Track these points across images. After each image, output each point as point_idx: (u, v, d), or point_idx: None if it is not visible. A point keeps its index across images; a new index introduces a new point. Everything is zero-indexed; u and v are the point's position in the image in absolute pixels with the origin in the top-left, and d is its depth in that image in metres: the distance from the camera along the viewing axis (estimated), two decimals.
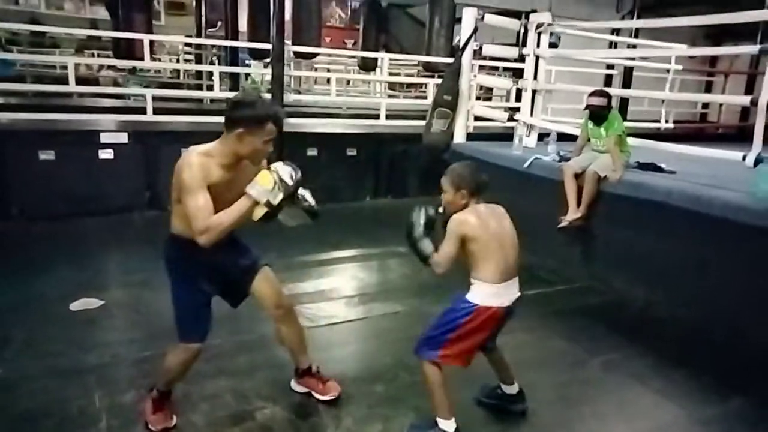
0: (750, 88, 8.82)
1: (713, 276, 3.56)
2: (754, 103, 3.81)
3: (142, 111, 5.69)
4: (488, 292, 2.23)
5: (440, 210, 2.34)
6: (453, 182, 2.30)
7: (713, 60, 10.59)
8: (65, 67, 5.68)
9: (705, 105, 10.25)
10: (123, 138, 5.47)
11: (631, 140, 4.50)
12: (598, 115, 4.38)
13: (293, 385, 2.67)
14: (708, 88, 10.58)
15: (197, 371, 2.76)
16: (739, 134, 8.54)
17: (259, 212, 2.14)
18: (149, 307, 3.55)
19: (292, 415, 2.49)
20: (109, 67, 9.15)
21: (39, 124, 5.35)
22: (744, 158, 3.75)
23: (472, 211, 2.27)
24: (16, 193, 5.09)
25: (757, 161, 3.66)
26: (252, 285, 2.41)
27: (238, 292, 2.44)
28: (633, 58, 8.46)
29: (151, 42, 6.94)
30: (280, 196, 2.15)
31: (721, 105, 10.31)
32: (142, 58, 6.57)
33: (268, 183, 2.14)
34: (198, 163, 2.09)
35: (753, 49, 4.38)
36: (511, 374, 2.55)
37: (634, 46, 8.39)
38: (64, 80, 5.68)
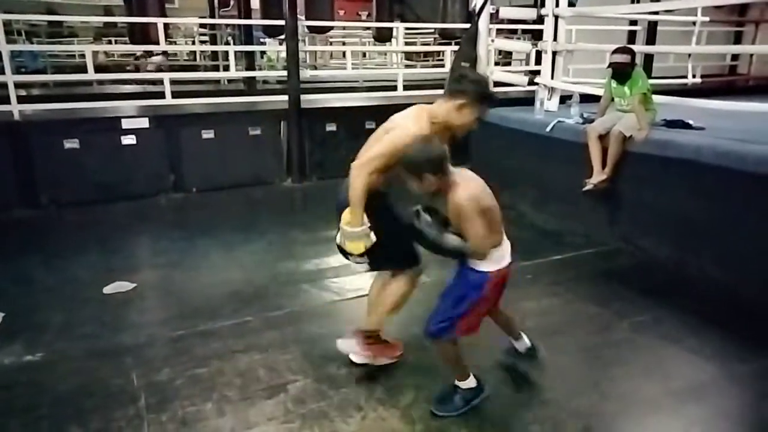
0: None
1: (745, 233, 3.47)
2: None
3: (162, 95, 5.73)
4: (498, 256, 2.21)
5: (423, 209, 2.20)
6: (412, 174, 2.11)
7: (743, 9, 10.11)
8: (84, 56, 5.72)
9: (735, 57, 9.86)
10: (144, 123, 5.52)
11: (656, 98, 4.36)
12: (621, 73, 4.26)
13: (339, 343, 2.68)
14: (737, 39, 10.15)
15: (229, 348, 2.83)
16: None
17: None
18: (180, 288, 3.63)
19: (324, 386, 2.53)
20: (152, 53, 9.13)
21: (62, 113, 5.45)
22: None
23: (463, 184, 2.12)
24: (45, 182, 5.20)
25: None
26: None
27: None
28: (656, 12, 8.14)
29: (166, 25, 6.92)
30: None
31: (751, 56, 9.90)
32: (157, 42, 6.58)
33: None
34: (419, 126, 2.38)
35: None
36: (517, 329, 2.63)
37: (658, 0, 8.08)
38: (83, 69, 5.72)
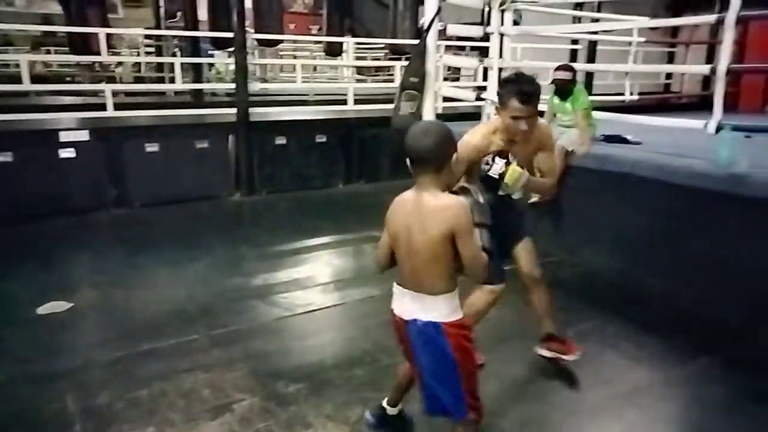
0: (710, 57, 8.98)
1: (680, 243, 3.64)
2: (714, 71, 3.87)
3: (102, 107, 5.54)
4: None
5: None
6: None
7: (674, 31, 10.71)
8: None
9: (668, 76, 10.41)
10: (84, 135, 5.32)
11: (596, 114, 4.55)
12: (563, 90, 4.42)
13: (539, 351, 2.78)
14: (671, 59, 10.73)
15: (172, 368, 2.74)
16: (701, 103, 8.70)
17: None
18: (121, 307, 3.49)
19: (271, 404, 2.47)
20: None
21: None
22: (705, 126, 3.82)
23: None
24: None
25: (718, 128, 3.72)
26: (515, 249, 2.69)
27: (503, 249, 2.61)
28: (596, 32, 8.52)
29: (110, 36, 6.72)
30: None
31: (683, 75, 10.48)
32: (99, 53, 6.37)
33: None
34: (480, 134, 2.49)
35: (711, 18, 4.43)
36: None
37: (597, 20, 8.46)
38: (19, 79, 5.47)
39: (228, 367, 2.78)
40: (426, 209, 1.66)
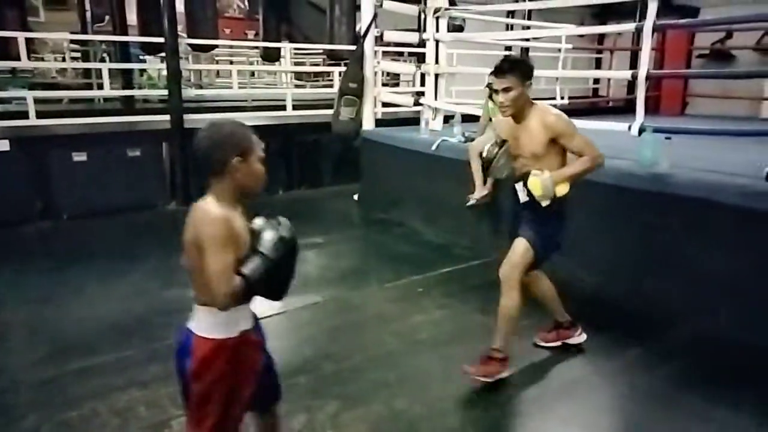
0: (634, 63, 9.50)
1: (609, 239, 3.82)
2: (635, 77, 4.09)
3: (25, 116, 5.25)
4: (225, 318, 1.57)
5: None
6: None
7: (600, 38, 11.25)
8: None
9: (596, 81, 10.92)
10: (4, 146, 5.02)
11: None
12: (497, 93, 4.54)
13: (540, 342, 3.00)
14: (598, 64, 11.26)
15: (107, 386, 2.63)
16: (627, 106, 9.18)
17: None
18: (50, 325, 3.31)
19: None
20: None
21: None
22: (629, 128, 4.03)
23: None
24: None
25: (641, 130, 3.94)
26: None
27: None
28: (527, 39, 8.84)
29: (31, 40, 6.38)
30: None
31: (609, 80, 11.02)
32: (19, 58, 6.03)
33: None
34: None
35: (631, 27, 4.69)
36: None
37: (528, 27, 8.77)
38: None
39: (165, 381, 2.67)
40: (191, 212, 1.53)
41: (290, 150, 6.90)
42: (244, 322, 1.62)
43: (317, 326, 3.35)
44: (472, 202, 4.45)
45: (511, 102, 2.55)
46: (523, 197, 2.60)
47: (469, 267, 4.34)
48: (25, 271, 4.17)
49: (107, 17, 9.84)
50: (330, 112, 6.08)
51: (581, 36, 10.21)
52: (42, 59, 9.81)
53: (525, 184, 2.58)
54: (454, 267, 4.22)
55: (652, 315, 3.35)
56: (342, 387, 2.65)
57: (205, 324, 1.56)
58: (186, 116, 5.91)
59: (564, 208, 2.71)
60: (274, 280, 1.55)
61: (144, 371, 2.77)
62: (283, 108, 6.87)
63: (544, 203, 2.54)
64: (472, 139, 4.74)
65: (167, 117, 5.81)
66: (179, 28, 6.47)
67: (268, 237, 1.54)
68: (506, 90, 2.53)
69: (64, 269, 4.15)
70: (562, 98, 8.11)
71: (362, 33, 5.92)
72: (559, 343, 3.00)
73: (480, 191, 4.43)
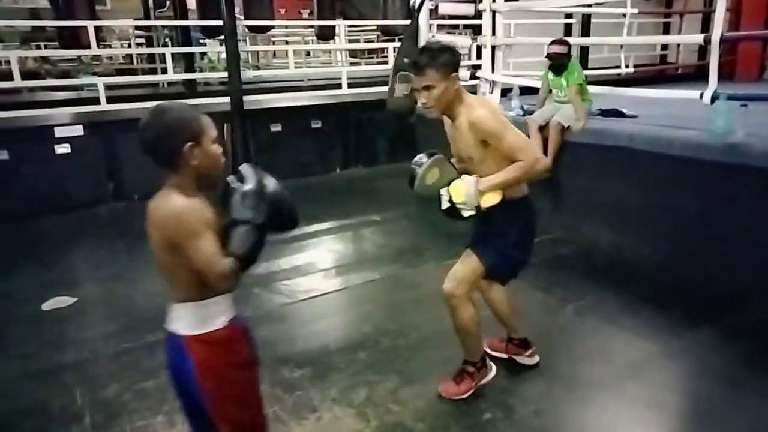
0: (706, 26, 8.90)
1: (678, 215, 3.65)
2: (708, 41, 3.84)
3: (96, 101, 5.52)
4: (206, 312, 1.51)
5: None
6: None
7: (669, 1, 10.60)
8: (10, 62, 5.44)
9: (664, 47, 10.32)
10: (79, 130, 5.31)
11: (592, 88, 4.52)
12: (558, 65, 4.39)
13: (486, 348, 2.63)
14: (666, 29, 10.62)
15: None
16: (697, 73, 8.65)
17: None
18: (124, 300, 3.52)
19: (277, 390, 2.50)
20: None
21: None
22: (701, 96, 3.81)
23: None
24: None
25: (714, 98, 3.71)
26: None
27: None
28: (590, 5, 8.43)
29: (99, 28, 6.65)
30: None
31: (678, 45, 10.38)
32: (89, 46, 6.32)
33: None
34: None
35: None
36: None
37: None
38: (10, 75, 5.44)
39: None
40: (150, 214, 1.42)
41: (346, 128, 6.94)
42: (231, 310, 1.52)
43: (375, 303, 3.40)
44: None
45: (434, 101, 2.13)
46: (444, 203, 2.19)
47: None
48: (100, 250, 4.44)
49: (168, 3, 10.16)
50: (385, 89, 6.05)
51: (647, 0, 9.65)
52: (109, 46, 10.24)
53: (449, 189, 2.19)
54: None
55: (720, 293, 3.20)
56: (401, 363, 2.69)
57: (193, 320, 1.46)
58: (245, 97, 6.03)
59: (529, 218, 2.33)
60: (270, 231, 1.43)
61: None
62: (339, 87, 6.89)
63: (466, 214, 2.17)
64: (531, 112, 4.61)
65: (227, 99, 5.95)
66: (236, 10, 6.58)
67: (237, 201, 1.40)
68: (427, 88, 2.11)
69: (135, 248, 4.37)
70: (627, 66, 7.74)
71: (416, 7, 5.83)
72: (505, 356, 2.66)
73: None
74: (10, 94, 6.97)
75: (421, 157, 2.25)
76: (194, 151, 1.40)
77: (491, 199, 2.14)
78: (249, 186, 1.42)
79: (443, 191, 2.19)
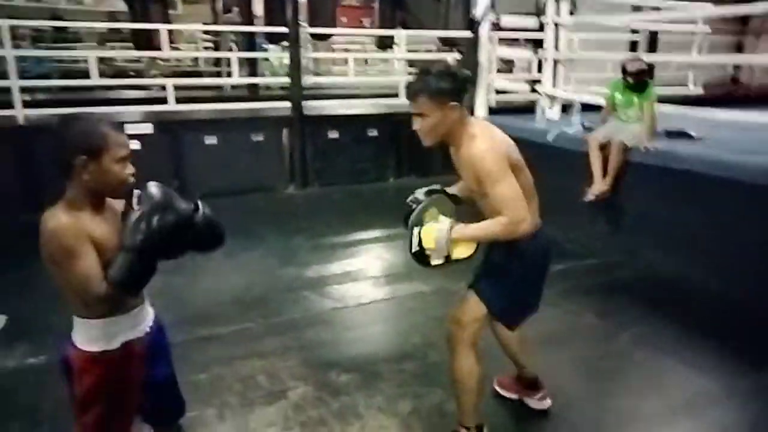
0: None
1: (745, 244, 3.48)
2: None
3: (164, 101, 5.76)
4: (101, 332, 1.53)
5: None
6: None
7: (744, 19, 10.15)
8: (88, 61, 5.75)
9: (737, 67, 9.89)
10: (149, 128, 5.55)
11: (657, 107, 4.38)
12: (638, 82, 4.23)
13: (496, 387, 2.54)
14: (739, 48, 10.19)
15: (230, 354, 2.85)
16: None
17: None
18: (180, 294, 3.63)
19: (324, 393, 2.54)
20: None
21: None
22: None
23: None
24: (54, 188, 5.22)
25: None
26: None
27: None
28: (660, 22, 8.18)
29: (170, 31, 6.97)
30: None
31: (752, 66, 9.93)
32: (160, 48, 6.62)
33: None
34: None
35: None
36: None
37: (659, 9, 8.12)
38: (87, 74, 5.75)
39: (282, 355, 2.86)
40: (40, 229, 1.37)
41: (401, 137, 6.96)
42: (126, 333, 1.52)
43: (424, 315, 3.39)
44: (590, 197, 4.24)
45: (426, 131, 1.90)
46: (414, 245, 1.95)
47: (583, 265, 4.16)
48: None
49: (235, 8, 10.50)
50: None
51: (721, 18, 9.28)
52: (177, 49, 10.67)
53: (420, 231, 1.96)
54: (566, 264, 4.06)
55: None
56: (448, 378, 2.67)
57: (84, 337, 1.48)
58: (305, 103, 6.17)
59: (539, 255, 2.09)
60: (163, 255, 1.42)
61: (262, 343, 2.97)
62: (396, 96, 6.93)
63: (434, 262, 1.95)
64: (592, 129, 4.51)
65: (288, 104, 6.10)
66: (300, 17, 6.74)
67: (129, 225, 1.37)
68: (419, 116, 1.90)
69: None
70: (695, 86, 7.46)
71: (478, 18, 5.82)
72: (515, 397, 2.50)
73: (599, 186, 4.22)
74: (86, 92, 7.37)
75: (419, 194, 2.10)
76: (89, 166, 1.36)
77: (463, 251, 1.96)
78: (143, 209, 1.38)
79: (415, 231, 1.95)
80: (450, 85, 1.87)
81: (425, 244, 1.94)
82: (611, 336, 3.12)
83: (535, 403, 2.45)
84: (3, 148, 5.11)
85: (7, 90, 5.17)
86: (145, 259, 1.37)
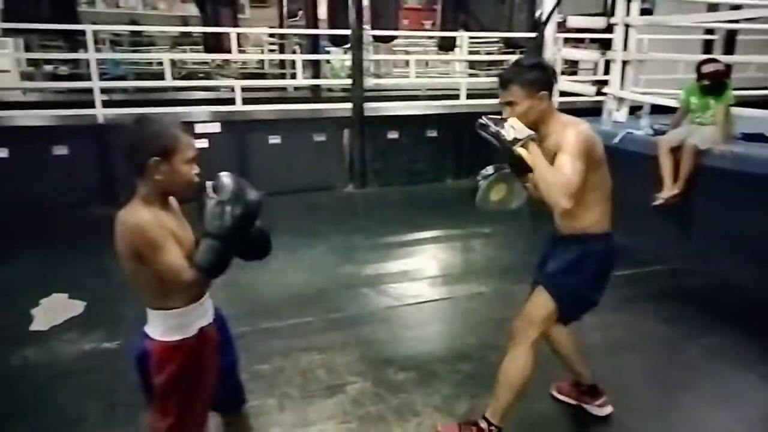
0: None
1: None
2: None
3: (232, 102, 5.97)
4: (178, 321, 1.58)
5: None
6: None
7: None
8: (161, 63, 6.04)
9: None
10: (216, 128, 5.77)
11: (735, 109, 4.17)
12: (716, 84, 4.05)
13: (554, 392, 2.53)
14: None
15: (290, 347, 2.92)
16: None
17: None
18: (244, 287, 3.74)
19: (382, 389, 2.56)
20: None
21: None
22: None
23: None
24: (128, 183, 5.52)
25: None
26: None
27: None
28: (736, 21, 7.76)
29: (238, 35, 7.22)
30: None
31: None
32: (230, 51, 6.87)
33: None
34: None
35: None
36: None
37: (738, 7, 7.70)
38: (161, 76, 6.04)
39: (341, 350, 2.91)
40: (117, 226, 1.43)
41: (461, 139, 6.92)
42: (201, 321, 1.59)
43: (481, 316, 3.36)
44: (659, 201, 4.09)
45: (521, 117, 1.96)
46: (509, 134, 1.95)
47: (652, 271, 4.00)
48: None
49: (300, 12, 10.78)
50: None
51: None
52: (244, 52, 11.05)
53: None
54: (633, 270, 3.92)
55: None
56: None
57: (161, 328, 1.53)
58: (366, 104, 6.24)
59: (607, 255, 2.10)
60: (239, 247, 1.48)
61: (322, 338, 3.03)
62: (457, 97, 6.91)
63: (494, 196, 2.18)
64: (663, 132, 4.34)
65: (349, 105, 6.19)
66: (363, 20, 6.83)
67: (210, 211, 1.41)
68: (509, 104, 1.97)
69: None
70: None
71: (544, 19, 5.71)
72: (574, 402, 2.45)
73: (669, 190, 4.05)
74: (159, 92, 7.75)
75: (488, 169, 2.18)
76: (161, 166, 1.43)
77: (516, 199, 2.18)
78: (221, 197, 1.42)
79: (507, 124, 1.95)
80: (542, 75, 1.96)
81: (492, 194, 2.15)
82: (680, 345, 3.00)
83: (595, 409, 2.40)
84: (85, 145, 5.43)
85: (89, 91, 5.51)
86: (230, 243, 1.43)
